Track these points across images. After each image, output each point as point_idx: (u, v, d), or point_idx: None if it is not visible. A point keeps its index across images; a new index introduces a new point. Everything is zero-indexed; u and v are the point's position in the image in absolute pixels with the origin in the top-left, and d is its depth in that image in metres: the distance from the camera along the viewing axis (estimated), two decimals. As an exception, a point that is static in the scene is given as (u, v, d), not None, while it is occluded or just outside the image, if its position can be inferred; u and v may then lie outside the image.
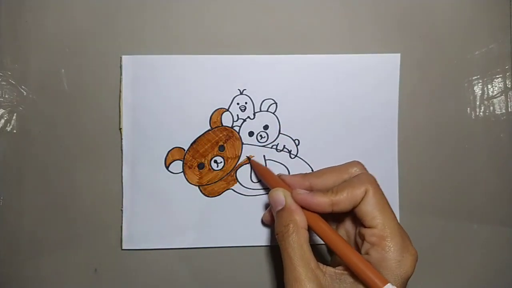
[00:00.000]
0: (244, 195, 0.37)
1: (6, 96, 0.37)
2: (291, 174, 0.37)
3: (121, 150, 0.37)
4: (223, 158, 0.37)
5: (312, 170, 0.37)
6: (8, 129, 0.37)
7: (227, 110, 0.37)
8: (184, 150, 0.37)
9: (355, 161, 0.33)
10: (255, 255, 0.38)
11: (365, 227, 0.30)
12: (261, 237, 0.37)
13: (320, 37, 0.38)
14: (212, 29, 0.37)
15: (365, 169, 0.33)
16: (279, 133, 0.37)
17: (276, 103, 0.37)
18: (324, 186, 0.32)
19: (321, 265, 0.30)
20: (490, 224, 0.38)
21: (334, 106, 0.37)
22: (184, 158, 0.37)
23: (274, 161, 0.37)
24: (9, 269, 0.37)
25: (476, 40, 0.38)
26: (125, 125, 0.37)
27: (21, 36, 0.37)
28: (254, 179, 0.37)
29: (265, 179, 0.36)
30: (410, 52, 0.38)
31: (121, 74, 0.37)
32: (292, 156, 0.37)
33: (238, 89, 0.37)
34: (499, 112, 0.38)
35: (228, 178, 0.37)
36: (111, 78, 0.37)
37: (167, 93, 0.37)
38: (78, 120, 0.37)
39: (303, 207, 0.31)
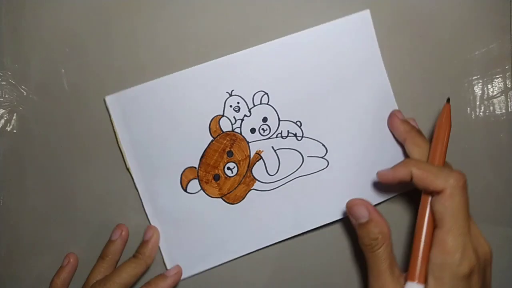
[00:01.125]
0: (267, 190, 0.37)
1: (6, 96, 0.37)
2: (310, 156, 0.37)
3: (127, 168, 0.37)
4: (234, 163, 0.37)
5: (324, 146, 0.37)
6: (8, 129, 0.37)
7: (223, 115, 0.37)
8: (196, 167, 0.37)
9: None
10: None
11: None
12: (297, 225, 0.37)
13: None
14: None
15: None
16: (279, 120, 0.37)
17: (266, 93, 0.37)
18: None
19: (402, 273, 0.32)
20: (490, 224, 0.38)
21: (322, 79, 0.37)
22: (198, 175, 0.37)
23: (284, 148, 0.37)
24: (9, 269, 0.37)
25: (476, 40, 0.38)
26: (131, 164, 0.37)
27: (21, 36, 0.37)
28: (271, 172, 0.37)
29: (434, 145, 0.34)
30: (410, 52, 0.38)
31: (110, 115, 0.36)
32: (299, 138, 0.37)
33: (227, 92, 0.37)
34: (499, 112, 0.38)
35: (247, 180, 0.37)
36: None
37: (160, 119, 0.36)
38: (78, 120, 0.37)
39: (386, 183, 0.33)
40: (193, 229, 0.37)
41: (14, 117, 0.37)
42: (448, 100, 0.35)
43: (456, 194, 0.30)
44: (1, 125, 0.37)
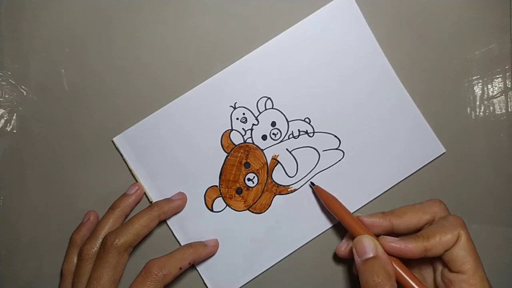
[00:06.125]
0: (291, 192, 0.37)
1: (6, 96, 0.37)
2: (324, 150, 0.37)
3: (150, 201, 0.37)
4: (253, 173, 0.37)
5: (336, 137, 0.37)
6: (8, 129, 0.37)
7: (232, 129, 0.37)
8: (217, 186, 0.37)
9: (436, 199, 0.34)
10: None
11: (451, 271, 0.30)
12: (327, 220, 0.37)
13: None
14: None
15: (447, 208, 0.33)
16: (288, 121, 0.37)
17: (269, 98, 0.37)
18: (407, 227, 0.32)
19: None
20: (490, 224, 0.38)
21: (321, 70, 0.37)
22: (220, 193, 0.37)
23: (298, 148, 0.37)
24: (9, 269, 0.37)
25: (476, 40, 0.38)
26: (153, 196, 0.37)
27: (21, 36, 0.37)
28: (290, 174, 0.37)
29: (341, 218, 0.34)
30: (410, 52, 0.38)
31: (122, 155, 0.37)
32: (311, 134, 0.37)
33: (230, 106, 0.37)
34: (499, 112, 0.38)
35: (269, 187, 0.37)
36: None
37: (171, 147, 0.37)
38: (78, 120, 0.37)
39: (392, 254, 0.31)
40: (227, 246, 0.37)
41: (14, 117, 0.37)
42: (313, 184, 0.37)
43: (469, 237, 0.30)
44: (1, 125, 0.37)
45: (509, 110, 0.38)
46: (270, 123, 0.37)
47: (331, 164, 0.37)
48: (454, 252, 0.30)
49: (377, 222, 0.33)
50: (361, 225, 0.33)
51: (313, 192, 0.37)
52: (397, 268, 0.31)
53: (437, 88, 0.38)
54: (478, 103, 0.38)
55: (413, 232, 0.32)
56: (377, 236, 0.32)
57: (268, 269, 0.37)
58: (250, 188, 0.37)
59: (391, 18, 0.38)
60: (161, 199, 0.37)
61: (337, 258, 0.37)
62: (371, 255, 0.31)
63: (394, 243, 0.31)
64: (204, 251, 0.35)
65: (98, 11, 0.37)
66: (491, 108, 0.38)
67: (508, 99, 0.38)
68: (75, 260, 0.35)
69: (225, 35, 0.37)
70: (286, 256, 0.37)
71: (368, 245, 0.31)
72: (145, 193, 0.37)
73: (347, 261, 0.37)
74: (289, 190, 0.37)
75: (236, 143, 0.37)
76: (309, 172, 0.37)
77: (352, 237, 0.33)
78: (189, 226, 0.37)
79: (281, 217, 0.37)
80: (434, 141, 0.37)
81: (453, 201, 0.38)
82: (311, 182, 0.37)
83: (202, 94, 0.37)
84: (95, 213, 0.37)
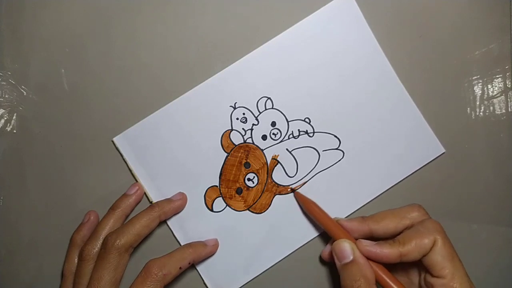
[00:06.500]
0: (290, 192, 0.37)
1: (6, 96, 0.37)
2: (324, 150, 0.37)
3: (150, 201, 0.36)
4: (253, 173, 0.37)
5: (336, 137, 0.37)
6: (8, 129, 0.37)
7: (232, 129, 0.37)
8: (217, 186, 0.37)
9: (415, 204, 0.34)
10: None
11: (432, 276, 0.30)
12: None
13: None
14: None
15: (426, 213, 0.33)
16: (288, 121, 0.37)
17: (269, 98, 0.37)
18: (384, 232, 0.33)
19: None
20: (490, 224, 0.38)
21: (321, 70, 0.37)
22: (221, 193, 0.37)
23: (298, 148, 0.37)
24: (9, 269, 0.37)
25: (476, 40, 0.38)
26: (153, 196, 0.37)
27: (21, 36, 0.37)
28: (290, 174, 0.37)
29: (321, 223, 0.35)
30: (410, 52, 0.38)
31: (122, 155, 0.37)
32: (311, 134, 0.37)
33: (230, 106, 0.37)
34: (499, 112, 0.38)
35: (269, 187, 0.37)
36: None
37: (171, 147, 0.37)
38: (78, 120, 0.37)
39: (369, 258, 0.31)
40: (227, 246, 0.37)
41: (14, 117, 0.37)
42: (293, 190, 0.37)
43: (446, 241, 0.30)
44: (1, 125, 0.37)
45: (509, 110, 0.38)
46: (270, 123, 0.37)
47: (331, 164, 0.37)
48: (432, 257, 0.30)
49: (355, 226, 0.33)
50: (341, 229, 0.33)
51: (295, 197, 0.37)
52: (379, 271, 0.31)
53: (437, 88, 0.38)
54: (478, 103, 0.38)
55: (392, 237, 0.32)
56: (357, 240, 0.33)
57: (268, 269, 0.37)
58: (250, 188, 0.37)
59: (391, 18, 0.38)
60: (161, 199, 0.37)
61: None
62: (350, 258, 0.31)
63: (370, 247, 0.31)
64: (204, 251, 0.35)
65: (98, 11, 0.37)
66: (491, 108, 0.38)
67: (508, 99, 0.38)
68: (76, 260, 0.35)
69: (225, 35, 0.37)
70: (286, 256, 0.37)
71: (346, 249, 0.31)
72: (145, 193, 0.37)
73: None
74: (289, 190, 0.37)
75: (236, 143, 0.37)
76: (309, 172, 0.37)
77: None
78: (189, 226, 0.37)
79: (281, 217, 0.37)
80: (434, 141, 0.37)
81: (453, 201, 0.38)
82: (290, 189, 0.37)
83: (202, 94, 0.37)
84: (95, 213, 0.37)
